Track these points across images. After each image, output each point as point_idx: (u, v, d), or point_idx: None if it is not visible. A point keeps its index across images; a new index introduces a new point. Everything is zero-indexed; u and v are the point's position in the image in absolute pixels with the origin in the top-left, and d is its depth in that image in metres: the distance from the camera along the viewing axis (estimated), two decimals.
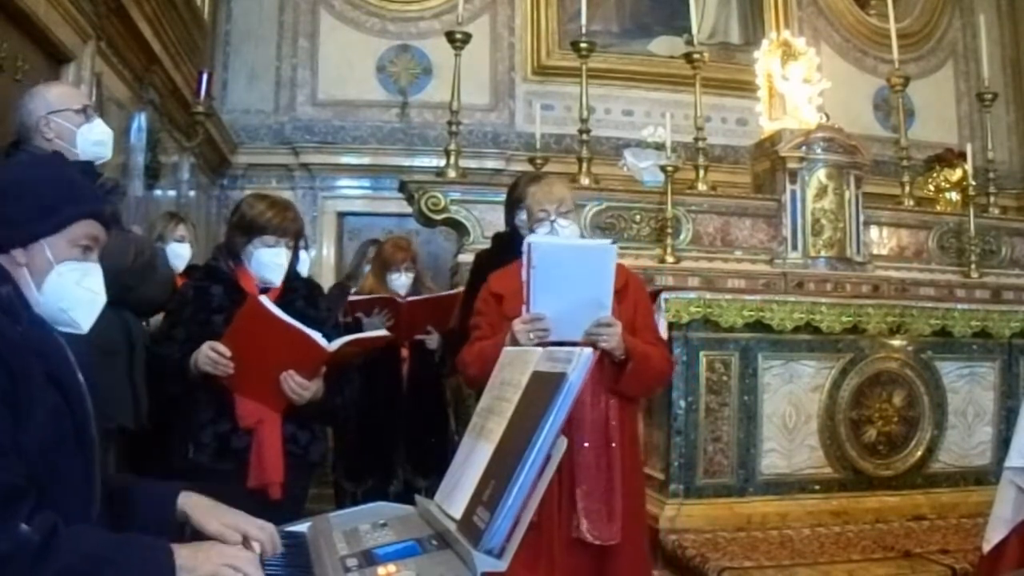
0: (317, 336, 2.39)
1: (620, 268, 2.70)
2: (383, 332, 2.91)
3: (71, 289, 1.43)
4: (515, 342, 2.29)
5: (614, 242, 2.55)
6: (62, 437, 1.33)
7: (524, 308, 2.37)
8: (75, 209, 1.43)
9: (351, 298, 3.68)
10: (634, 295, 2.59)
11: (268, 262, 2.53)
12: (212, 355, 2.36)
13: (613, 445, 2.43)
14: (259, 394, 2.43)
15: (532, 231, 2.66)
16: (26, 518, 1.21)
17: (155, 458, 2.64)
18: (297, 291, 2.59)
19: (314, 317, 2.53)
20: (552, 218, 2.59)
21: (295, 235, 2.61)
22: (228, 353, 2.36)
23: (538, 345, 2.11)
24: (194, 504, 1.48)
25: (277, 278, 2.54)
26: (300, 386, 2.40)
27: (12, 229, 1.39)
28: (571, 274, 2.36)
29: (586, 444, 2.39)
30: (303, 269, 3.95)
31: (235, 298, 2.49)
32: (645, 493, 2.81)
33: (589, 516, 2.36)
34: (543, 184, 2.79)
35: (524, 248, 2.37)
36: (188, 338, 2.47)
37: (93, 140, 2.39)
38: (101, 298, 1.48)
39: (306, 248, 4.11)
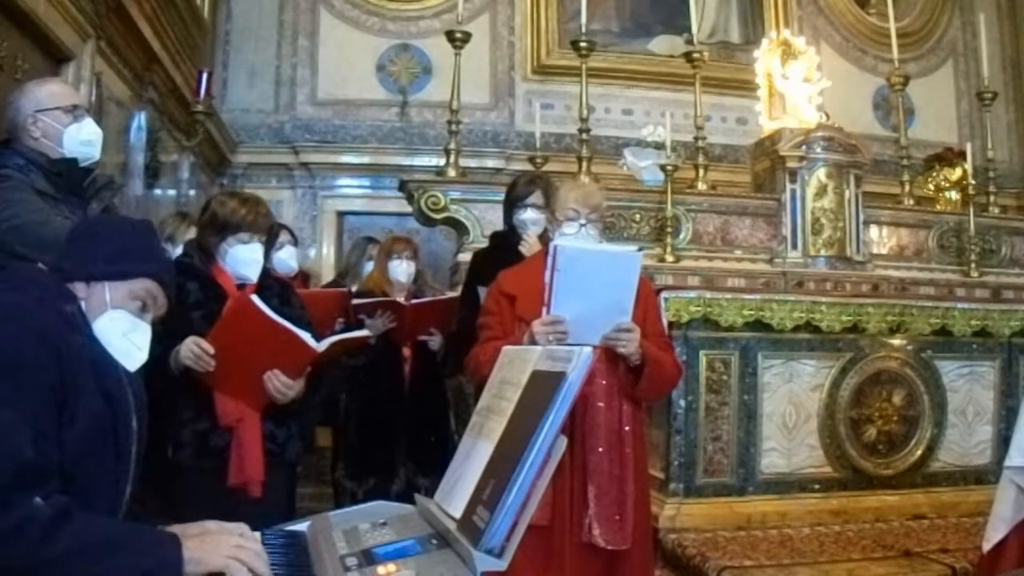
0: (306, 336, 2.39)
1: None
2: (364, 332, 2.95)
3: (117, 337, 1.52)
4: (533, 343, 2.28)
5: (641, 249, 2.52)
6: (100, 445, 1.41)
7: (544, 310, 2.36)
8: (142, 266, 1.57)
9: (355, 301, 3.67)
10: (644, 300, 2.58)
11: (245, 258, 2.52)
12: (195, 349, 2.35)
13: (627, 450, 2.43)
14: (240, 392, 2.42)
15: (558, 225, 2.64)
16: (43, 497, 1.27)
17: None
18: (271, 289, 2.59)
19: (288, 316, 2.53)
20: (583, 222, 2.57)
21: (267, 231, 2.61)
22: (211, 349, 2.36)
23: None
24: (187, 538, 1.48)
25: (254, 274, 2.54)
26: (285, 386, 2.40)
27: (82, 264, 1.53)
28: (595, 279, 2.35)
29: (600, 449, 2.39)
30: (291, 262, 4.01)
31: (211, 294, 2.50)
32: (650, 497, 2.80)
33: (601, 521, 2.36)
34: (582, 186, 2.80)
35: (550, 250, 2.35)
36: (165, 335, 2.46)
37: (81, 140, 2.37)
38: (143, 355, 1.57)
39: (294, 243, 4.14)
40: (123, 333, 1.52)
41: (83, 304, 1.50)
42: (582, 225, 2.57)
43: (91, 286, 1.52)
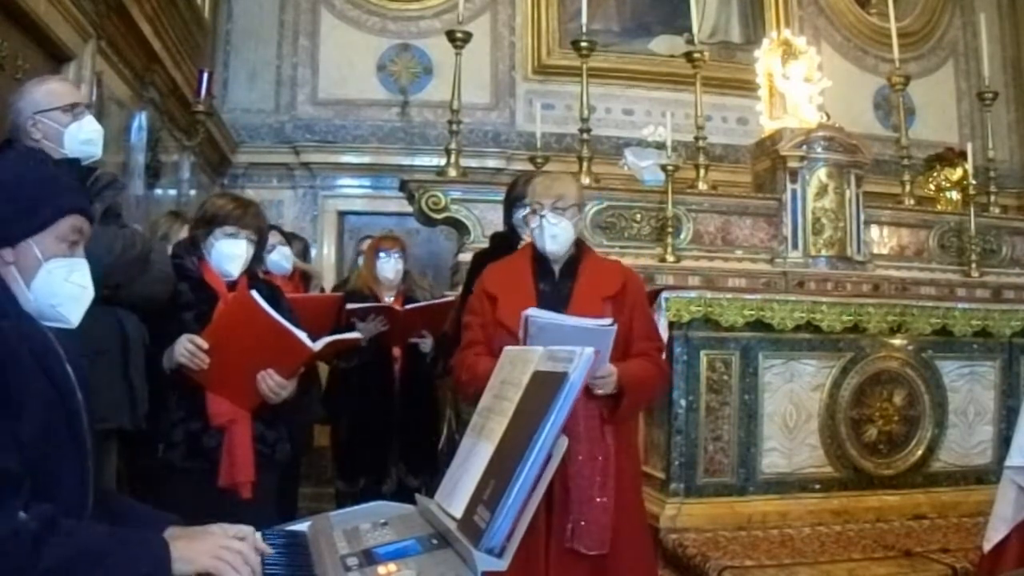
0: (303, 335, 2.39)
1: (617, 268, 2.67)
2: (356, 335, 2.99)
3: (60, 285, 1.44)
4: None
5: (613, 323, 2.42)
6: (55, 428, 1.34)
7: None
8: (60, 206, 1.45)
9: (348, 306, 3.67)
10: (632, 299, 2.55)
11: (227, 252, 2.54)
12: (190, 346, 2.35)
13: (609, 455, 2.41)
14: (233, 392, 2.42)
15: (527, 223, 2.62)
16: (23, 506, 1.22)
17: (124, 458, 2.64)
18: (260, 292, 2.59)
19: None
20: (543, 213, 2.52)
21: (256, 230, 2.62)
22: (205, 346, 2.36)
23: None
24: (177, 538, 1.45)
25: (236, 269, 2.55)
26: (278, 385, 2.41)
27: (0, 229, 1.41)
28: (568, 344, 2.32)
29: (580, 457, 2.37)
30: (285, 263, 4.01)
31: (202, 295, 2.51)
32: (643, 500, 2.76)
33: (581, 526, 2.35)
34: (547, 177, 2.74)
35: (521, 319, 2.33)
36: (157, 336, 2.47)
37: (81, 139, 2.35)
38: (89, 292, 1.49)
39: (287, 244, 4.15)
40: (65, 279, 1.44)
41: (12, 269, 1.40)
42: (542, 217, 2.51)
43: (17, 248, 1.40)
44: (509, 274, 2.59)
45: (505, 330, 2.42)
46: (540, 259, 2.58)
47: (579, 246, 2.63)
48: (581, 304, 2.48)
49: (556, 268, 2.57)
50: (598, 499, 2.37)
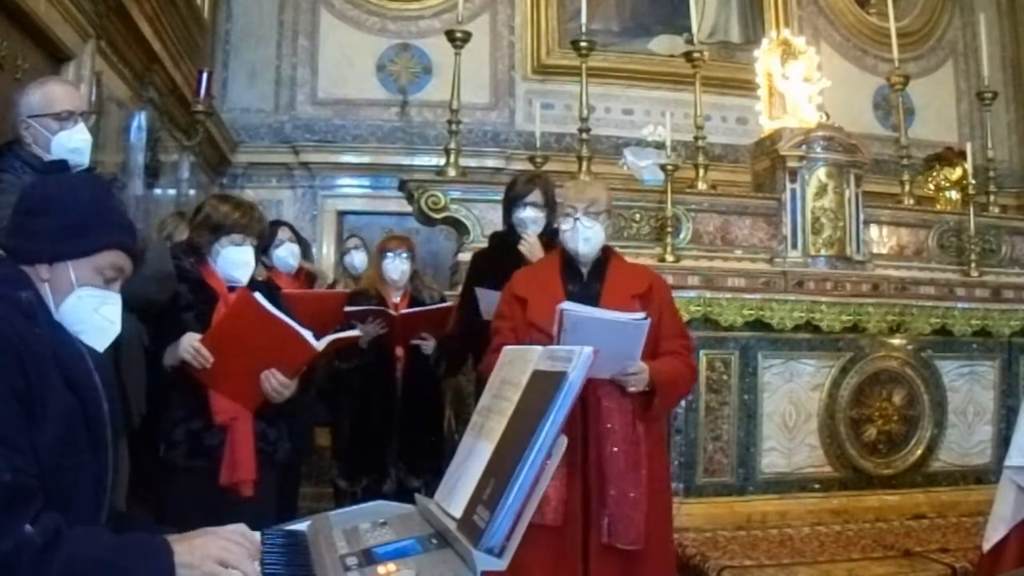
0: (307, 334, 2.40)
1: (643, 271, 2.74)
2: (356, 332, 3.01)
3: (87, 314, 1.44)
4: None
5: (646, 318, 2.44)
6: (75, 439, 1.34)
7: None
8: (105, 238, 1.45)
9: (347, 308, 3.67)
10: (659, 298, 2.60)
11: (236, 260, 2.55)
12: (195, 343, 2.35)
13: (641, 452, 2.43)
14: (236, 391, 2.42)
15: (558, 226, 2.66)
16: (31, 519, 1.21)
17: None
18: (258, 291, 2.59)
19: None
20: (577, 216, 2.59)
21: (259, 234, 2.65)
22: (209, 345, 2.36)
23: None
24: (176, 542, 1.45)
25: (245, 276, 2.57)
26: (281, 385, 2.41)
27: (41, 244, 1.41)
28: (602, 338, 2.29)
29: (615, 449, 2.39)
30: (291, 260, 4.01)
31: (202, 296, 2.52)
32: (671, 502, 2.78)
33: (616, 520, 2.36)
34: (579, 183, 2.85)
35: (556, 314, 2.35)
36: (157, 336, 2.47)
37: (70, 147, 2.36)
38: (116, 328, 1.49)
39: (296, 240, 4.14)
40: (94, 309, 1.44)
41: (46, 286, 1.40)
42: (576, 220, 2.59)
43: (54, 267, 1.41)
44: (538, 277, 2.64)
45: (536, 329, 2.44)
46: (568, 262, 2.64)
47: (605, 250, 2.69)
48: (611, 302, 2.52)
49: (584, 271, 2.64)
50: (631, 494, 2.39)
